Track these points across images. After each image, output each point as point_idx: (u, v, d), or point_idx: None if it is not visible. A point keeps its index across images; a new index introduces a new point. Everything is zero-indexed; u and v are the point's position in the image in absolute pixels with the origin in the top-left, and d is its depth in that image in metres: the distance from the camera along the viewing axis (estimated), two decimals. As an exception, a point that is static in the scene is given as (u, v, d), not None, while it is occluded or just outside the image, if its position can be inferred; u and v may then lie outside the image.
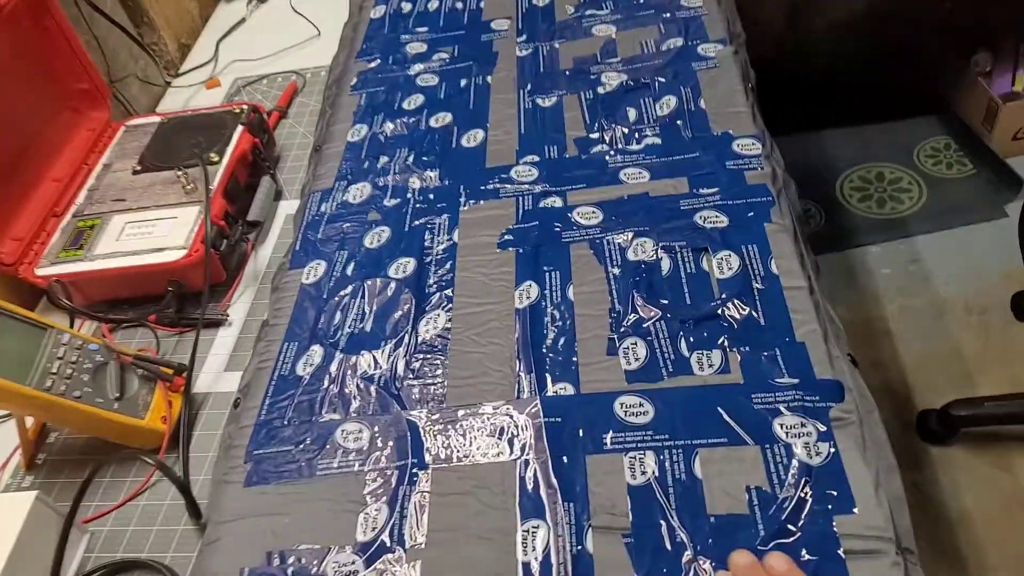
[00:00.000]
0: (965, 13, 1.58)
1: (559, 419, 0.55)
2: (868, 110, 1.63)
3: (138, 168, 0.85)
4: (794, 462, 0.49)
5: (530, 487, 0.52)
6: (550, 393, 0.57)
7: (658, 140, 0.76)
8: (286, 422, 0.61)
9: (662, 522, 0.48)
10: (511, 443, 0.55)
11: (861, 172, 1.64)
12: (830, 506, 0.47)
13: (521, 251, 0.69)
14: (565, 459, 0.53)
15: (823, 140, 1.70)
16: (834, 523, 0.46)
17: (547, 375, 0.59)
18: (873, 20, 1.69)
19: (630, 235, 0.68)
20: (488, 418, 0.57)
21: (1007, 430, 1.13)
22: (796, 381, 0.53)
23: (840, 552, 0.45)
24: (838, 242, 1.40)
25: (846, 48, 1.73)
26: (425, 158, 0.82)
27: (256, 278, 0.80)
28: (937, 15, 1.63)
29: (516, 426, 0.56)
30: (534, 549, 0.49)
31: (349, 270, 0.72)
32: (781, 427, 0.51)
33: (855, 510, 0.47)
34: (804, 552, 0.46)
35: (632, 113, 0.80)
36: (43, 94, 0.85)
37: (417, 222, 0.75)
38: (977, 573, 0.95)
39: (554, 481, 0.52)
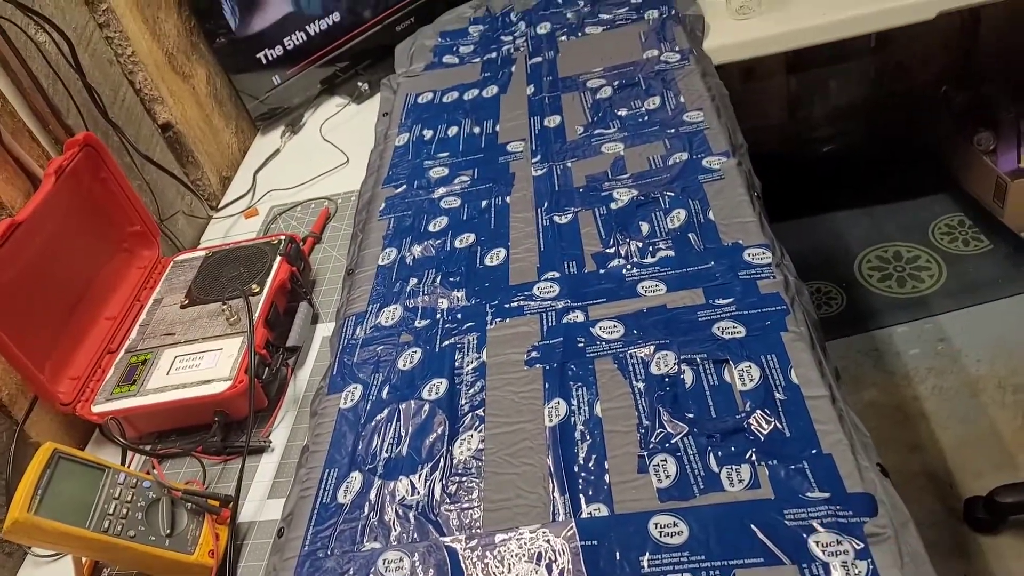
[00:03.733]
0: (961, 95, 1.64)
1: (595, 542, 0.57)
2: (879, 191, 1.67)
3: (186, 302, 0.90)
4: (832, 581, 0.50)
5: (570, 614, 0.53)
6: (584, 515, 0.59)
7: (671, 252, 0.80)
8: (329, 552, 0.63)
9: (704, 649, 0.49)
10: (549, 569, 0.56)
11: (878, 252, 1.67)
12: (871, 627, 0.47)
13: (548, 368, 0.72)
14: (603, 584, 0.54)
15: (837, 223, 1.73)
16: (877, 646, 0.46)
17: (580, 495, 0.60)
18: (870, 105, 1.76)
19: (652, 348, 0.70)
20: (525, 543, 0.58)
21: (1058, 515, 1.08)
22: (827, 495, 0.54)
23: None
24: (862, 324, 1.41)
25: (848, 132, 1.80)
26: (452, 278, 0.87)
27: (296, 402, 0.83)
28: (934, 97, 1.70)
29: (553, 551, 0.57)
30: None
31: (384, 393, 0.75)
32: (817, 544, 0.52)
33: (897, 631, 0.47)
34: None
35: (645, 227, 0.84)
36: (99, 239, 0.93)
37: (447, 342, 0.79)
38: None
39: (594, 608, 0.53)
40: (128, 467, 0.70)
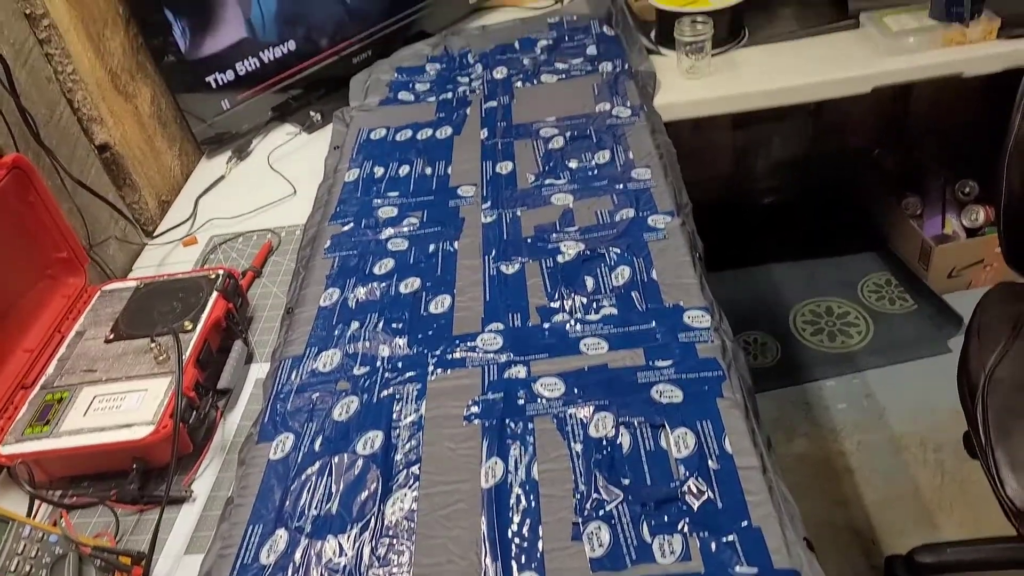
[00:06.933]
0: (892, 159, 1.73)
1: (525, 613, 0.56)
2: (814, 246, 1.73)
3: (111, 336, 0.86)
4: (755, 661, 0.50)
5: None
6: (516, 583, 0.58)
7: (614, 310, 0.81)
8: (248, 617, 0.60)
9: None
10: (477, 641, 0.55)
11: (811, 306, 1.72)
12: None
13: (487, 424, 0.72)
14: (531, 658, 0.53)
15: (774, 274, 1.79)
16: None
17: (512, 562, 0.60)
18: (810, 163, 1.84)
19: (591, 409, 0.71)
20: (454, 612, 0.57)
21: (973, 576, 1.12)
22: (755, 570, 0.55)
23: None
24: (795, 375, 1.46)
25: (788, 187, 1.87)
26: (395, 324, 0.85)
27: (223, 448, 0.80)
28: (868, 160, 1.78)
29: (482, 621, 0.56)
30: None
31: (317, 445, 0.73)
32: (741, 623, 0.52)
33: None
34: None
35: (590, 282, 0.85)
36: (22, 265, 0.88)
37: (385, 392, 0.77)
38: None
39: None
40: (34, 517, 0.66)
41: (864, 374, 1.52)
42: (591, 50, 1.31)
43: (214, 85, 1.25)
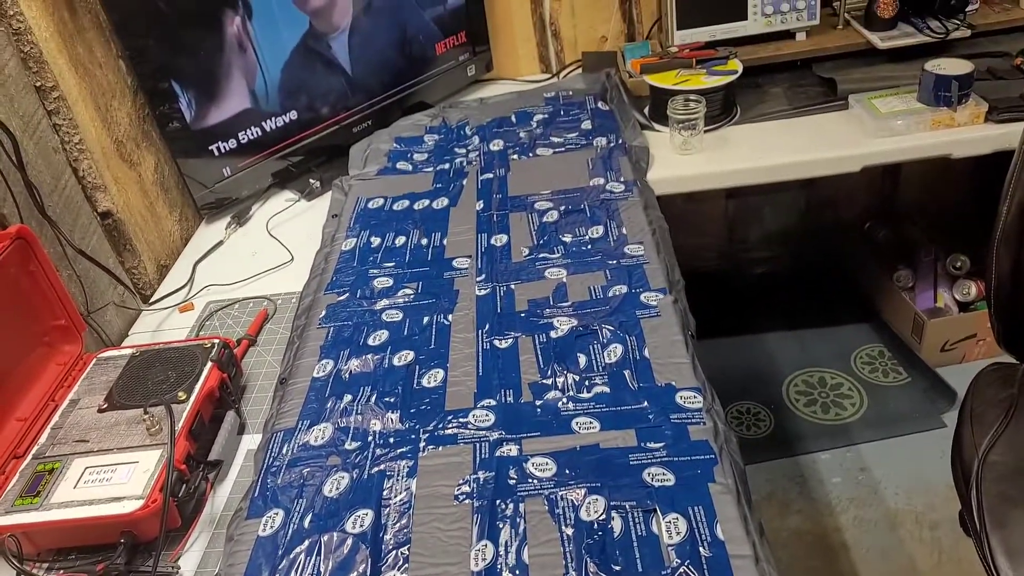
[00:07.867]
0: (884, 233, 1.76)
1: None
2: (806, 316, 1.75)
3: (104, 406, 0.86)
4: None
5: None
6: (504, 677, 0.57)
7: (607, 389, 0.81)
8: None
9: None
10: None
11: (804, 376, 1.72)
12: None
13: (477, 504, 0.71)
14: None
15: (767, 343, 1.80)
16: None
17: (501, 654, 0.59)
18: (800, 233, 1.88)
19: (583, 492, 0.70)
20: None
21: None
22: (745, 668, 0.54)
23: None
24: (789, 447, 1.45)
25: (780, 257, 1.90)
26: (387, 398, 0.85)
27: (212, 522, 0.79)
28: (859, 233, 1.82)
29: None
30: None
31: (306, 522, 0.73)
32: None
33: None
34: None
35: (582, 359, 0.86)
36: (20, 333, 0.88)
37: (376, 468, 0.77)
38: None
39: None
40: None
41: (858, 447, 1.52)
42: (586, 124, 1.36)
43: (216, 153, 1.28)
